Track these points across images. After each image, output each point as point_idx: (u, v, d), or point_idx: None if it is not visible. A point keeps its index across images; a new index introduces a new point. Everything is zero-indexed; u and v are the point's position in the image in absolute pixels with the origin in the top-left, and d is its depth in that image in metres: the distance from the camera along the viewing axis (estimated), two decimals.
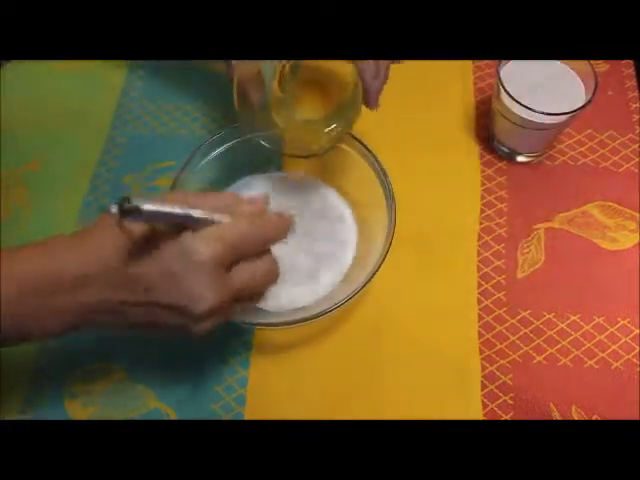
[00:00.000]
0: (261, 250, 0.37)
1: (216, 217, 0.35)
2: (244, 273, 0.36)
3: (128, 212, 0.29)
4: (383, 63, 0.48)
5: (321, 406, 0.49)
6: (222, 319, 0.37)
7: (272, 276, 0.39)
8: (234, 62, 0.46)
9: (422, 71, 0.64)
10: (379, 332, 0.51)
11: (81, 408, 0.49)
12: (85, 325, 0.37)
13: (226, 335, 0.51)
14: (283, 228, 0.38)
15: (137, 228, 0.34)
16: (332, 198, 0.55)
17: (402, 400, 0.49)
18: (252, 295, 0.39)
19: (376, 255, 0.46)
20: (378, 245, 0.47)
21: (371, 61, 0.45)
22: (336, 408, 0.49)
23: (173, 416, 0.49)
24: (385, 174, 0.49)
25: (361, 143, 0.50)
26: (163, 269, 0.34)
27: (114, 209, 0.29)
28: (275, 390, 0.49)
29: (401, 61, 0.53)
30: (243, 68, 0.46)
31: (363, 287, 0.45)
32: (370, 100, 0.48)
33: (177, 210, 0.33)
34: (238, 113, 0.48)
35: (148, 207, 0.30)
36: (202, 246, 0.33)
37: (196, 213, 0.34)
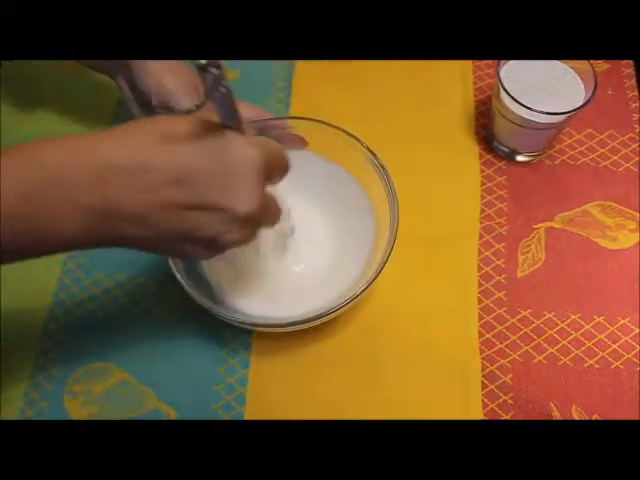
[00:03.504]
0: (280, 177, 0.38)
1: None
2: (270, 193, 0.37)
3: (209, 66, 0.29)
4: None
5: (321, 406, 0.49)
6: (249, 236, 0.36)
7: (279, 212, 0.39)
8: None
9: (422, 71, 0.64)
10: (379, 331, 0.51)
11: (81, 407, 0.49)
12: (105, 235, 0.33)
13: (226, 335, 0.52)
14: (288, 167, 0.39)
15: (183, 123, 0.32)
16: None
17: (402, 400, 0.49)
18: (266, 221, 0.38)
19: (377, 257, 0.46)
20: (379, 246, 0.47)
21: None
22: (336, 408, 0.49)
23: (173, 416, 0.49)
24: (386, 173, 0.48)
25: (361, 143, 0.50)
26: (210, 164, 0.32)
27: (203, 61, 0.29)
28: (275, 390, 0.49)
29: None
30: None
31: (366, 288, 0.44)
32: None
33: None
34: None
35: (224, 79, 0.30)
36: (252, 149, 0.33)
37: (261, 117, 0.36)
